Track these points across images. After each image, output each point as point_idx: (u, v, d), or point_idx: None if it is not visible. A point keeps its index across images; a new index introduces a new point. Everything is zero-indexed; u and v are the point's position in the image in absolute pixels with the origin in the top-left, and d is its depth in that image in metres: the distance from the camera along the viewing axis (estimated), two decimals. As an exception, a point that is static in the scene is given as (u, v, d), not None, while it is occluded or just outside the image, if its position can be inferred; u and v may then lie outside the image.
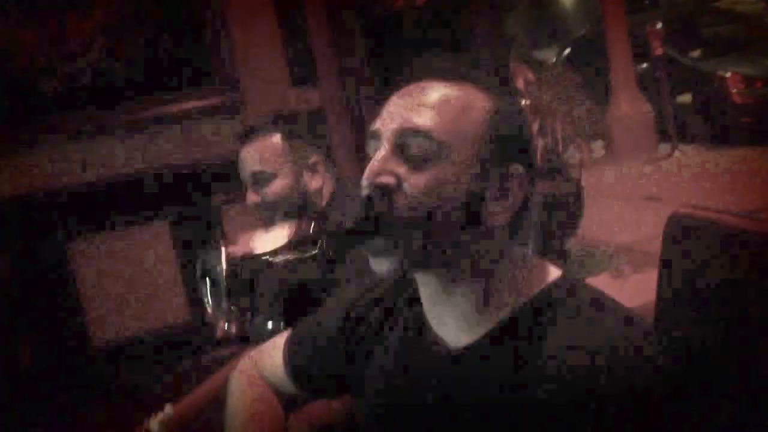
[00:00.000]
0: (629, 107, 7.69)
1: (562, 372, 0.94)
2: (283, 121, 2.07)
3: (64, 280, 4.00)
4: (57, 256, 3.99)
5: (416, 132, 1.01)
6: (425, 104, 1.02)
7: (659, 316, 1.08)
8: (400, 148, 1.02)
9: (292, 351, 1.34)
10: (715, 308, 0.98)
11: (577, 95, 5.88)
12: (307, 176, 2.02)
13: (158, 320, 4.14)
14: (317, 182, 2.03)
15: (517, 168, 1.03)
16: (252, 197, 2.01)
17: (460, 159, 1.00)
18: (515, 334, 1.01)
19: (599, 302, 1.01)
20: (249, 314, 2.05)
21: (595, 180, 5.97)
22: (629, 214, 5.53)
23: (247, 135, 2.02)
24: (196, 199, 4.10)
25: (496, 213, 1.02)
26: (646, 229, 4.77)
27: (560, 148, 4.89)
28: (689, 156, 7.35)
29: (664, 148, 7.58)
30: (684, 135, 7.55)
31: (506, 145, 1.03)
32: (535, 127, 4.27)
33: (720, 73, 7.51)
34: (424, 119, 1.01)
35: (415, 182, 1.00)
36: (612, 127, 7.56)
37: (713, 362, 0.98)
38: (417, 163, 1.00)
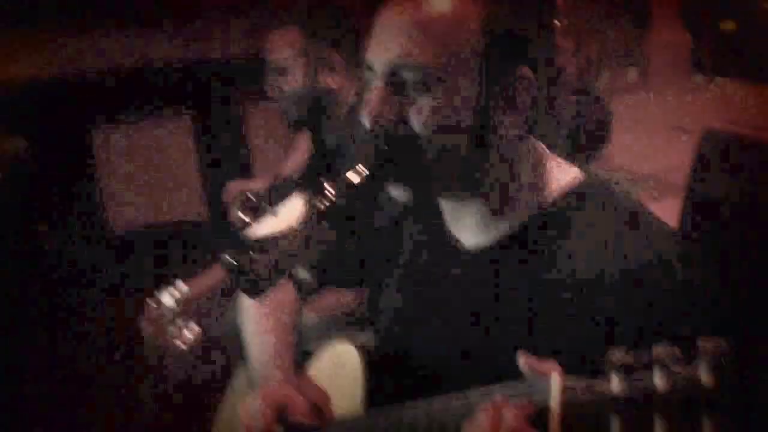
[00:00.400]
0: (668, 34, 7.44)
1: (579, 274, 0.94)
2: (306, 15, 2.02)
3: (83, 166, 4.03)
4: (78, 142, 4.00)
5: (408, 66, 0.96)
6: (414, 29, 0.96)
7: (682, 227, 1.06)
8: (395, 82, 0.98)
9: None
10: (741, 222, 0.96)
11: (615, 19, 5.69)
12: (323, 74, 1.97)
13: (175, 215, 4.18)
14: (335, 82, 1.98)
15: (522, 71, 0.98)
16: (271, 88, 2.01)
17: (459, 80, 0.96)
18: (532, 238, 1.01)
19: (621, 205, 1.00)
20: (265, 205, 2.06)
21: (626, 106, 5.83)
22: (656, 143, 5.43)
23: (268, 26, 2.00)
24: (220, 95, 4.07)
25: (508, 124, 0.99)
26: (671, 159, 4.69)
27: (593, 70, 4.77)
28: (726, 90, 7.14)
29: (700, 79, 7.36)
30: (723, 67, 7.32)
31: (506, 48, 0.97)
32: (570, 46, 4.14)
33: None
34: (415, 51, 0.95)
35: (416, 113, 0.97)
36: (648, 53, 7.34)
37: (732, 274, 0.97)
38: (416, 94, 0.97)
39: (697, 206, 1.03)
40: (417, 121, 0.97)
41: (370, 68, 1.01)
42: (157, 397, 2.84)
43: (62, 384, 3.00)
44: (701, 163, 1.05)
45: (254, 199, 2.11)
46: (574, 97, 2.29)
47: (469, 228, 1.07)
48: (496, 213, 1.03)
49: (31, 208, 3.87)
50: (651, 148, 5.28)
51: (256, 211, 2.08)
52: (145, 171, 4.12)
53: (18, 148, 3.80)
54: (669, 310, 0.90)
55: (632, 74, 7.44)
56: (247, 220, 2.10)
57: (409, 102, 0.97)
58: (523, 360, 0.81)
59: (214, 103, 4.12)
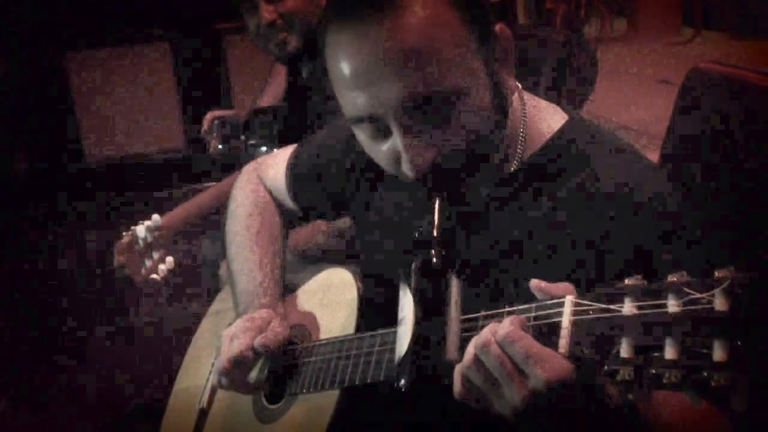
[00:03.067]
0: (659, -15, 7.36)
1: (573, 217, 0.94)
2: None
3: (61, 90, 3.94)
4: (54, 65, 3.90)
5: (419, 103, 0.88)
6: (405, 57, 0.86)
7: (666, 160, 1.06)
8: (416, 118, 0.89)
9: (293, 162, 1.33)
10: (721, 155, 0.96)
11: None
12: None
13: (152, 143, 4.13)
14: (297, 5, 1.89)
15: (499, 27, 0.94)
16: (267, 14, 1.84)
17: (473, 77, 0.90)
18: (522, 185, 1.00)
19: (608, 142, 0.99)
20: (243, 136, 2.03)
21: (613, 56, 5.80)
22: (641, 95, 5.42)
23: None
24: (199, 23, 3.97)
25: (508, 81, 0.97)
26: (654, 111, 4.70)
27: (582, 15, 4.71)
28: (711, 43, 7.11)
29: (687, 32, 7.32)
30: (710, 21, 7.27)
31: (480, 17, 0.92)
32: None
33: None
34: (415, 86, 0.87)
35: (452, 135, 0.91)
36: (638, 3, 7.27)
37: (712, 203, 0.97)
38: (436, 121, 0.90)
39: (680, 139, 1.03)
40: (454, 142, 0.91)
41: (372, 120, 0.92)
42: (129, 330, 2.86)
43: (32, 319, 2.99)
44: (685, 98, 1.04)
45: (230, 126, 2.07)
46: (561, 39, 2.26)
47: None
48: (499, 162, 1.01)
49: (8, 134, 3.81)
50: (634, 99, 5.27)
51: (231, 138, 2.05)
52: (122, 100, 4.04)
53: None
54: (671, 240, 0.89)
55: (621, 24, 7.38)
56: (221, 146, 2.07)
57: (440, 127, 0.90)
58: (535, 283, 0.80)
59: (193, 31, 4.02)
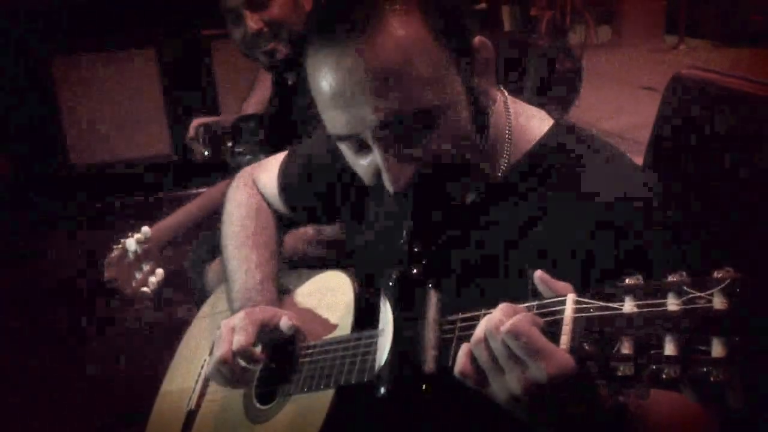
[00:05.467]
0: (643, -7, 7.44)
1: (560, 219, 0.95)
2: None
3: (46, 94, 3.92)
4: (38, 70, 3.88)
5: (397, 122, 0.90)
6: (378, 86, 0.88)
7: (649, 166, 1.07)
8: (394, 137, 0.92)
9: (285, 167, 1.34)
10: (703, 160, 0.97)
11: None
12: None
13: (138, 149, 4.11)
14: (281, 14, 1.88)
15: (477, 40, 0.95)
16: (253, 23, 1.82)
17: (450, 95, 0.92)
18: (509, 189, 1.01)
19: (594, 146, 1.01)
20: (230, 143, 2.03)
21: (596, 63, 5.84)
22: (624, 101, 5.47)
23: None
24: (185, 28, 3.96)
25: (489, 92, 0.98)
26: (637, 118, 4.73)
27: (567, 22, 4.74)
28: (695, 51, 7.18)
29: (670, 40, 7.39)
30: (694, 29, 7.35)
31: (454, 32, 0.93)
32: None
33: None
34: (392, 107, 0.89)
35: (433, 146, 0.93)
36: (622, 11, 7.34)
37: (694, 206, 0.99)
38: (415, 138, 0.92)
39: (663, 144, 1.04)
40: (434, 157, 0.93)
41: (352, 138, 0.94)
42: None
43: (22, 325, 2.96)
44: (668, 104, 1.05)
45: (216, 132, 2.07)
46: (546, 46, 2.28)
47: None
48: (485, 168, 1.02)
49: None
50: (617, 106, 5.31)
51: (217, 144, 2.04)
52: (108, 105, 4.02)
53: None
54: (658, 242, 0.90)
55: (605, 32, 7.44)
56: (206, 153, 2.07)
57: (419, 144, 0.92)
58: (538, 275, 0.80)
59: (180, 37, 4.01)
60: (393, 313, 0.87)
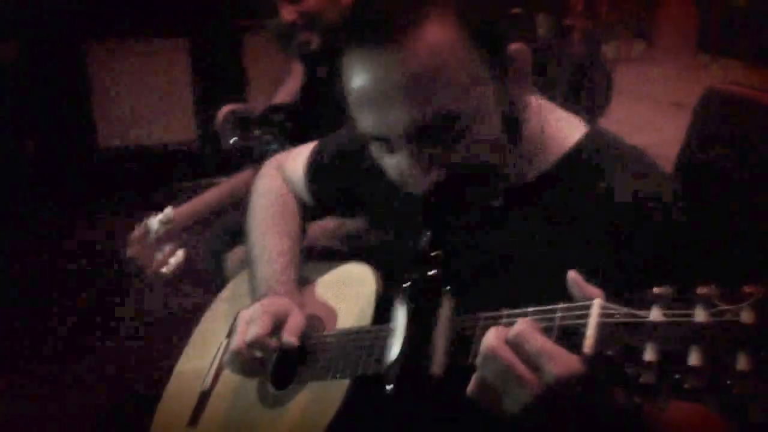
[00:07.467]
0: (677, 9, 7.37)
1: (590, 226, 0.95)
2: None
3: (78, 78, 3.95)
4: (72, 53, 3.92)
5: (426, 127, 0.91)
6: (414, 80, 0.89)
7: (678, 176, 1.07)
8: (422, 142, 0.93)
9: (313, 157, 1.35)
10: (736, 173, 0.96)
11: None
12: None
13: (165, 136, 4.14)
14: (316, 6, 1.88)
15: (512, 48, 0.95)
16: (287, 14, 1.82)
17: (481, 100, 0.92)
18: (540, 194, 1.01)
19: (625, 154, 1.01)
20: (258, 131, 2.04)
21: (628, 77, 5.80)
22: (653, 116, 5.43)
23: None
24: (219, 21, 3.99)
25: (523, 98, 0.98)
26: (665, 134, 4.69)
27: (602, 35, 4.72)
28: (726, 70, 7.10)
29: (704, 58, 7.32)
30: (728, 48, 7.26)
31: (489, 38, 0.93)
32: (579, 6, 4.10)
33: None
34: (421, 112, 0.90)
35: (455, 155, 0.94)
36: (656, 27, 7.28)
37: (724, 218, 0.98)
38: (444, 144, 0.93)
39: (693, 157, 1.04)
40: (461, 163, 0.94)
41: (379, 138, 0.96)
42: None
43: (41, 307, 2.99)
44: (700, 117, 1.05)
45: (245, 119, 2.08)
46: (578, 55, 2.27)
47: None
48: (518, 173, 1.02)
49: (18, 111, 3.80)
50: (646, 121, 5.27)
51: (245, 132, 2.05)
52: (138, 92, 4.05)
53: (10, 52, 3.72)
54: (687, 250, 0.90)
55: (639, 47, 7.38)
56: (234, 139, 2.08)
57: (447, 149, 0.93)
58: (572, 276, 0.80)
59: (211, 27, 4.04)
60: (406, 315, 0.88)
